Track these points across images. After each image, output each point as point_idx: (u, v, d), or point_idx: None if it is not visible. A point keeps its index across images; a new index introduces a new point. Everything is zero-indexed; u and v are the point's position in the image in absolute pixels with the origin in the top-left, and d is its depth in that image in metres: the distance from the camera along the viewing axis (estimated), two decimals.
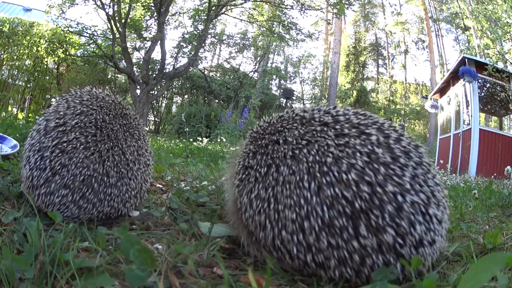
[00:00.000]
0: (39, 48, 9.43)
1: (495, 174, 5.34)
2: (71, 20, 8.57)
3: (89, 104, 0.98)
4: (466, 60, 7.67)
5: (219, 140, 6.12)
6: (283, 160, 0.74)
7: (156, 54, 9.41)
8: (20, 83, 9.89)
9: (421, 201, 0.68)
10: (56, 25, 8.73)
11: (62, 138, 0.90)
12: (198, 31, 8.81)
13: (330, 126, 0.75)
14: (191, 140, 5.51)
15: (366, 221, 0.65)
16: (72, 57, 9.81)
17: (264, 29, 10.17)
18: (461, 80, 7.79)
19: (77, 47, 9.83)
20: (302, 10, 8.93)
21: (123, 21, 8.18)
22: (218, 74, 14.79)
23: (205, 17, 8.69)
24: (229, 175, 0.93)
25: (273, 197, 0.72)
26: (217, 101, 12.21)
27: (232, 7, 9.44)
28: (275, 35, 10.05)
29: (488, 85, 8.32)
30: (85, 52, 9.80)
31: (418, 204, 0.67)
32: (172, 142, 5.17)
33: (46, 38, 9.19)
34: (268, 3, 9.70)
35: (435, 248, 0.70)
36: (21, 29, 9.10)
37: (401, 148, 0.72)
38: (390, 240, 0.65)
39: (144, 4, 9.01)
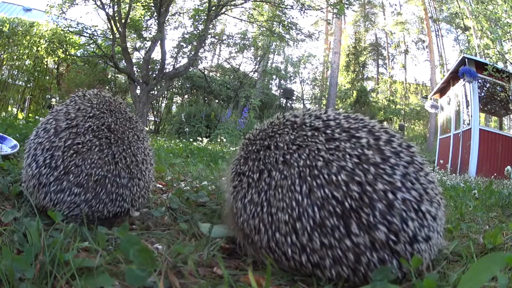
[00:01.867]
0: (39, 48, 9.43)
1: (495, 174, 5.34)
2: (71, 20, 8.58)
3: (100, 108, 1.01)
4: (466, 60, 7.67)
5: (219, 140, 6.12)
6: (275, 165, 0.75)
7: (156, 54, 9.43)
8: (20, 83, 9.90)
9: (413, 198, 0.69)
10: (56, 25, 8.73)
11: (75, 139, 0.93)
12: (198, 31, 8.80)
13: (321, 131, 0.76)
14: (191, 140, 5.51)
15: (357, 220, 0.66)
16: (72, 57, 9.81)
17: (264, 29, 10.17)
18: (461, 80, 7.79)
19: (77, 47, 9.83)
20: (302, 10, 8.93)
21: (123, 21, 8.19)
22: (218, 74, 14.78)
23: (205, 17, 8.70)
24: (226, 181, 0.94)
25: (266, 201, 0.74)
26: (217, 101, 12.21)
27: (232, 7, 9.45)
28: (275, 35, 10.05)
29: (488, 85, 8.32)
30: (85, 52, 9.80)
31: (410, 201, 0.68)
32: (172, 142, 5.17)
33: (46, 38, 9.19)
34: (268, 3, 9.70)
35: (431, 244, 0.70)
36: (21, 29, 9.10)
37: (391, 149, 0.73)
38: (383, 237, 0.65)
39: (144, 4, 9.01)
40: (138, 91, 8.35)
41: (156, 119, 12.32)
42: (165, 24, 8.94)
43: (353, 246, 0.66)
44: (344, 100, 18.91)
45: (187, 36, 9.09)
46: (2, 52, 9.14)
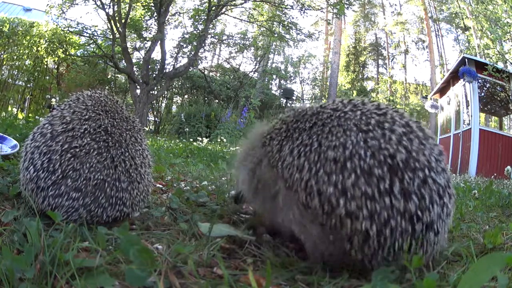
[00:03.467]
0: (39, 48, 9.44)
1: (495, 174, 5.34)
2: (71, 20, 8.60)
3: (95, 109, 0.99)
4: (466, 60, 7.67)
5: (219, 140, 6.12)
6: (328, 119, 0.77)
7: (156, 54, 9.43)
8: (20, 83, 9.91)
9: (441, 183, 0.71)
10: (56, 25, 8.74)
11: (72, 143, 0.91)
12: (198, 31, 8.81)
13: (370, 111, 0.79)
14: (191, 140, 5.51)
15: (400, 183, 0.67)
16: (72, 57, 9.82)
17: (264, 29, 10.18)
18: (461, 80, 7.79)
19: (77, 47, 9.84)
20: (302, 10, 8.94)
21: (123, 21, 8.19)
22: (218, 74, 14.79)
23: (205, 17, 8.70)
24: (244, 157, 0.95)
25: (317, 142, 0.74)
26: (217, 101, 12.21)
27: (232, 7, 9.45)
28: (275, 35, 10.06)
29: (488, 85, 8.33)
30: (85, 52, 9.81)
31: (439, 185, 0.70)
32: (172, 142, 5.17)
33: (46, 38, 9.20)
34: (268, 3, 9.70)
35: (438, 240, 0.71)
36: (21, 29, 9.11)
37: (426, 138, 0.76)
38: (413, 209, 0.67)
39: (144, 4, 9.02)
40: (138, 91, 8.35)
41: (156, 119, 12.32)
42: (165, 24, 8.95)
43: (390, 206, 0.66)
44: None
45: (187, 36, 9.10)
46: (2, 52, 9.15)
